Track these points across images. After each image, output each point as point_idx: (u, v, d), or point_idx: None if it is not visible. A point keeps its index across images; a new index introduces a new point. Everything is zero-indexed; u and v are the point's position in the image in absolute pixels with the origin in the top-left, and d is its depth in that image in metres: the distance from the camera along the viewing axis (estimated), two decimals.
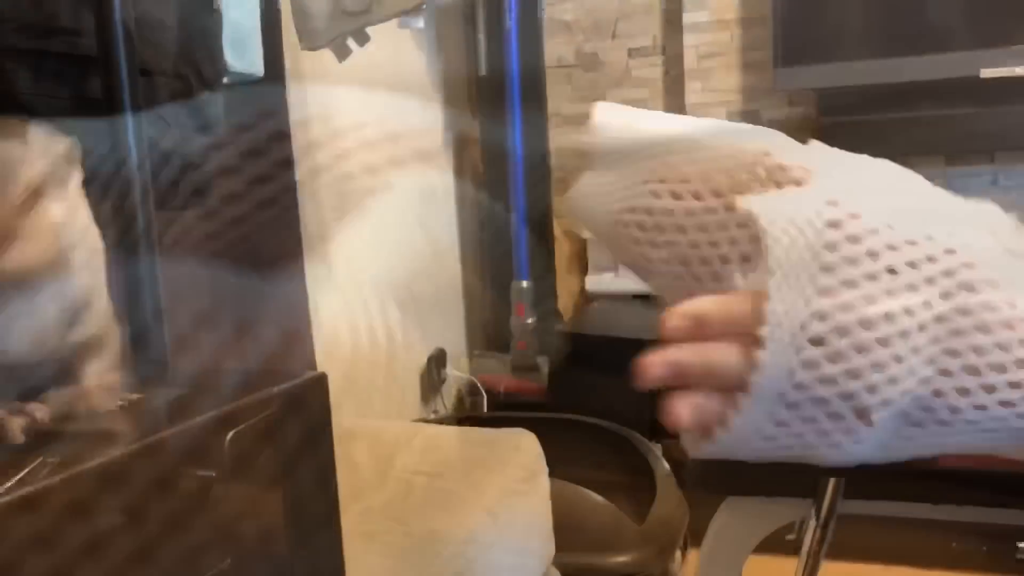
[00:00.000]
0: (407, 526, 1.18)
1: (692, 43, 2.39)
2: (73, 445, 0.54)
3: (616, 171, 0.57)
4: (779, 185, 0.49)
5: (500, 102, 2.40)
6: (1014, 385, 0.42)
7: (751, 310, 0.43)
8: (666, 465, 1.93)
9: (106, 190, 1.03)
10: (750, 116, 2.37)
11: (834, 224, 0.44)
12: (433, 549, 1.15)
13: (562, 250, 2.55)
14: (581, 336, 2.30)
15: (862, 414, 0.42)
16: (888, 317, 0.42)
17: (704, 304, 0.45)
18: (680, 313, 0.45)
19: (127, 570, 0.53)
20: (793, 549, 1.33)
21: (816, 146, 0.53)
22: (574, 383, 2.30)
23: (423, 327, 2.40)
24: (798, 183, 0.49)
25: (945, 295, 0.43)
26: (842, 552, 1.54)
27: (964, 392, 0.43)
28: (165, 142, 1.04)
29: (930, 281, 0.43)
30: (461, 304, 2.65)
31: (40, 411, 0.56)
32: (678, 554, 1.83)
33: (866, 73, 2.13)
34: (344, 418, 0.79)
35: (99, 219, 1.22)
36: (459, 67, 2.65)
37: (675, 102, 2.49)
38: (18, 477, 0.50)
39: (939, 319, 0.42)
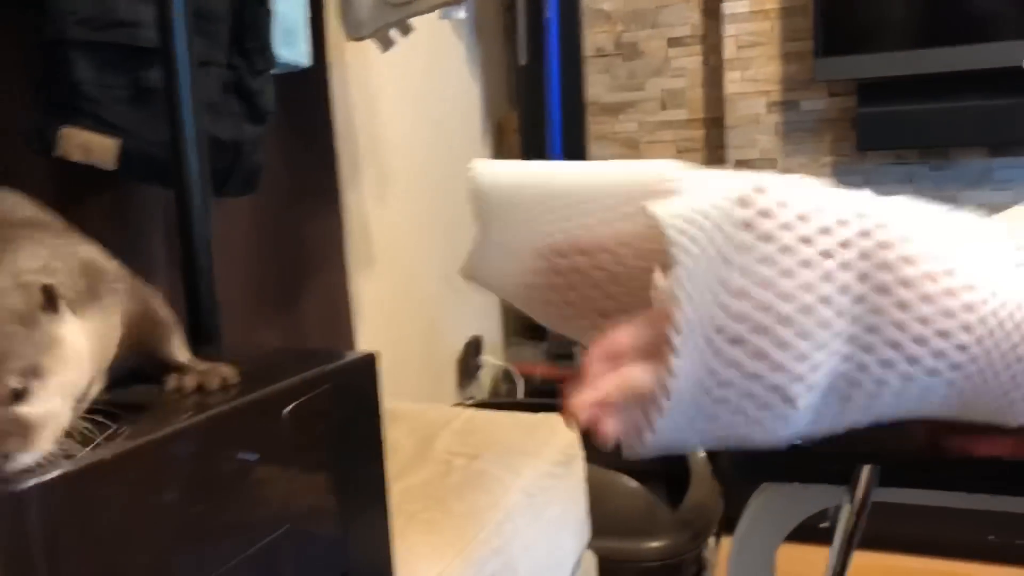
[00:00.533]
0: (446, 504, 1.22)
1: (732, 32, 2.39)
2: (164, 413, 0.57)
3: (511, 235, 0.57)
4: None
5: (539, 91, 2.42)
6: (938, 355, 0.43)
7: (665, 322, 0.44)
8: (701, 452, 1.95)
9: (165, 177, 1.07)
10: (790, 106, 2.36)
11: (744, 202, 0.45)
12: (472, 527, 1.18)
13: None
14: None
15: (788, 400, 0.44)
16: (805, 309, 0.42)
17: (618, 338, 0.46)
18: (597, 357, 0.46)
19: (197, 526, 0.57)
20: (826, 538, 1.34)
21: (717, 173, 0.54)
22: None
23: (460, 314, 2.43)
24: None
25: (864, 255, 0.43)
26: (876, 543, 1.55)
27: (888, 364, 0.43)
28: (218, 130, 1.08)
29: (845, 244, 0.43)
30: None
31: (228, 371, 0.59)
32: (712, 540, 1.85)
33: (907, 63, 2.13)
34: (384, 401, 0.82)
35: (157, 204, 1.26)
36: (498, 56, 2.67)
37: (714, 92, 2.50)
38: (94, 444, 0.53)
39: (858, 299, 0.43)
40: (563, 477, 1.41)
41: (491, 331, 2.60)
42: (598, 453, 1.65)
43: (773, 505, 1.34)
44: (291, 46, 1.33)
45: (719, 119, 2.48)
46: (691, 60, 2.54)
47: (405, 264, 2.16)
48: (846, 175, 2.33)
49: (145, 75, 1.05)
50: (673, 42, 2.55)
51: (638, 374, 0.45)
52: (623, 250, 0.54)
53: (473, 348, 2.43)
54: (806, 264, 0.43)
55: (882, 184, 2.30)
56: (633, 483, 1.77)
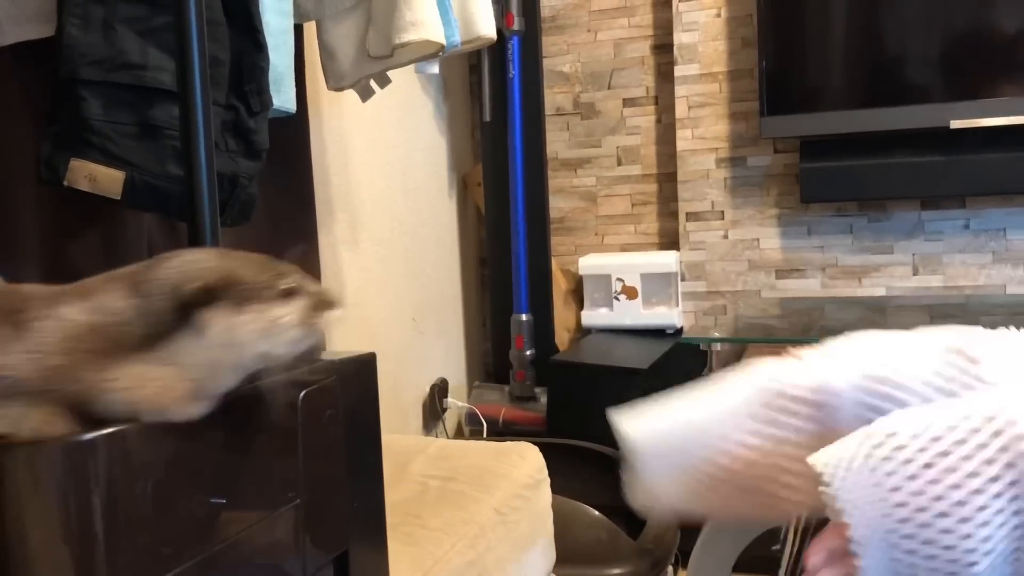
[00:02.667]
0: (423, 519, 1.29)
1: (683, 93, 2.55)
2: None
3: (667, 480, 0.67)
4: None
5: (503, 146, 2.55)
6: None
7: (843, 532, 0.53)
8: None
9: (167, 207, 1.15)
10: (738, 162, 2.52)
11: (878, 443, 0.55)
12: (448, 540, 1.25)
13: (559, 286, 2.68)
14: (577, 366, 2.42)
15: (970, 564, 0.51)
16: (960, 504, 0.50)
17: (813, 555, 0.56)
18: (816, 552, 0.55)
19: (225, 488, 0.65)
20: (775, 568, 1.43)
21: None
22: (571, 411, 2.41)
23: (426, 358, 2.51)
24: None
25: (1009, 466, 0.52)
26: None
27: None
28: (218, 165, 1.16)
29: (989, 462, 0.51)
30: (462, 336, 2.77)
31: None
32: (670, 570, 1.92)
33: (846, 122, 2.29)
34: None
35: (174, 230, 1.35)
36: (464, 113, 2.80)
37: (666, 149, 2.65)
38: None
39: (1012, 483, 0.50)
40: (531, 499, 1.49)
41: (456, 374, 2.68)
42: (562, 484, 1.73)
43: (728, 523, 1.43)
44: (279, 93, 1.43)
45: (672, 174, 2.63)
46: (645, 119, 2.69)
47: (374, 308, 2.25)
48: (790, 225, 2.48)
49: (151, 113, 1.14)
50: (628, 102, 2.70)
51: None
52: (768, 459, 0.65)
53: (438, 391, 2.51)
54: (949, 470, 0.52)
55: (824, 234, 2.46)
56: (595, 513, 1.85)
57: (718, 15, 2.50)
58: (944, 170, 2.25)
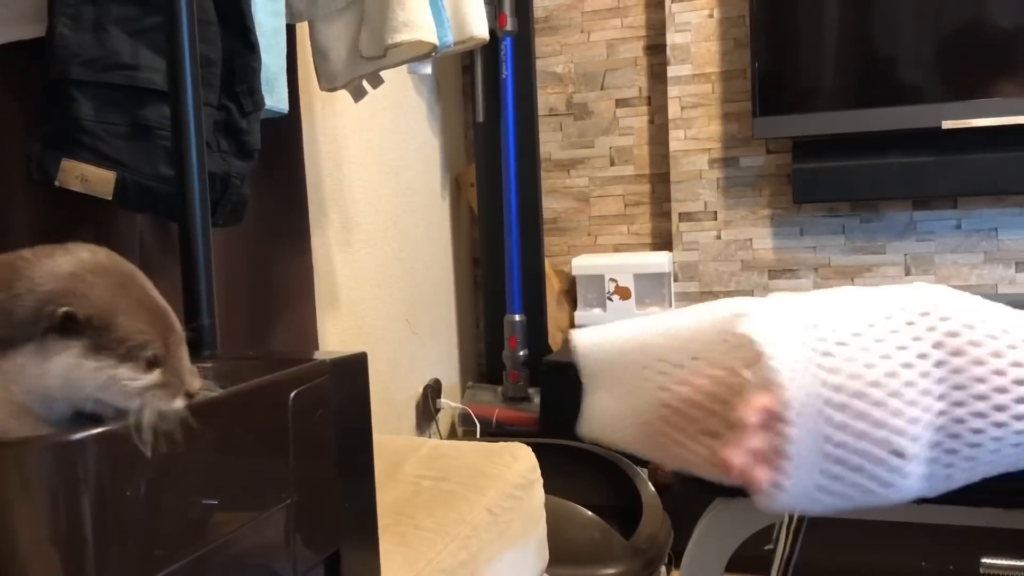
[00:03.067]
0: (415, 520, 1.29)
1: (676, 94, 2.55)
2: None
3: (615, 399, 0.66)
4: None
5: (496, 147, 2.55)
6: (1020, 401, 0.52)
7: (773, 402, 0.53)
8: (652, 488, 2.04)
9: (158, 207, 1.15)
10: (730, 162, 2.52)
11: (815, 323, 0.56)
12: (440, 540, 1.25)
13: (552, 286, 2.68)
14: (571, 367, 2.41)
15: (898, 453, 0.53)
16: (891, 374, 0.53)
17: (743, 414, 0.55)
18: (732, 454, 0.54)
19: (216, 488, 0.65)
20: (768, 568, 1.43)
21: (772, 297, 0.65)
22: (564, 412, 2.41)
23: (419, 359, 2.51)
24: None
25: (936, 345, 0.54)
26: (810, 572, 1.63)
27: (980, 415, 0.53)
28: (210, 165, 1.16)
29: (916, 337, 0.54)
30: (455, 337, 2.77)
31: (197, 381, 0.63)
32: (663, 570, 1.92)
33: (839, 123, 2.30)
34: None
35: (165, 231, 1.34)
36: (457, 114, 2.80)
37: (659, 150, 2.65)
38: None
39: (938, 364, 0.52)
40: (524, 500, 1.49)
41: (449, 375, 2.68)
42: (555, 484, 1.73)
43: (721, 521, 1.43)
44: (271, 93, 1.43)
45: (665, 175, 2.63)
46: (638, 120, 2.70)
47: (367, 308, 2.24)
48: (783, 226, 2.48)
49: (142, 113, 1.14)
50: (621, 103, 2.71)
51: (760, 442, 0.54)
52: (719, 386, 0.62)
53: (432, 391, 2.51)
54: (880, 340, 0.53)
55: (817, 234, 2.46)
56: (588, 513, 1.85)
57: (711, 16, 2.50)
58: (936, 170, 2.26)
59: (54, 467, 0.57)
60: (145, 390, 0.60)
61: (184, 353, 0.63)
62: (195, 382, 0.63)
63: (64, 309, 0.58)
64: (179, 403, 0.61)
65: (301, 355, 0.78)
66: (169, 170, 1.10)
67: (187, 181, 0.95)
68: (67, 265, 0.60)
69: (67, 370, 0.59)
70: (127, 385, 0.59)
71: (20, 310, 0.58)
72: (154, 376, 0.60)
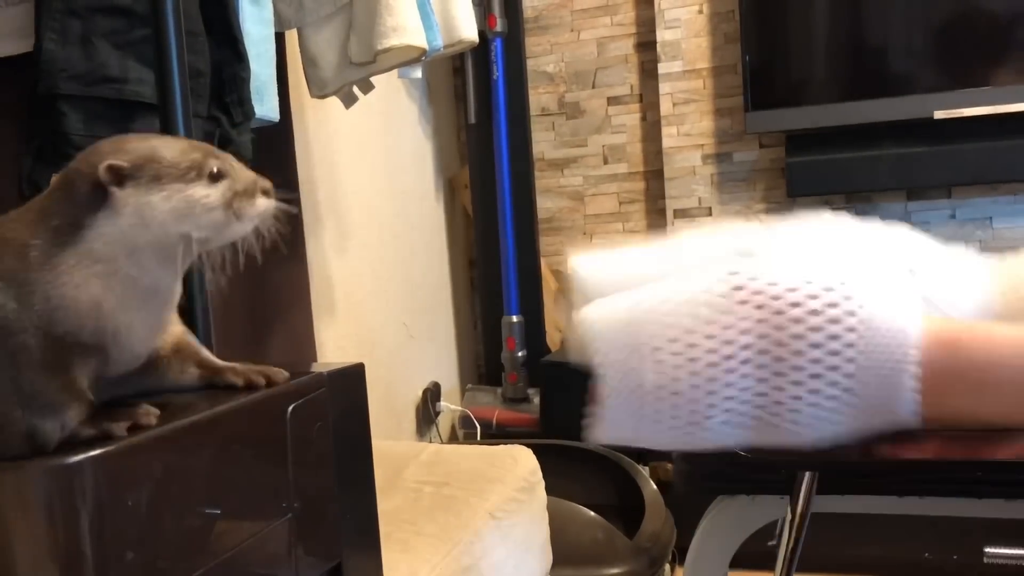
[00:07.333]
0: (417, 526, 1.28)
1: (667, 91, 2.55)
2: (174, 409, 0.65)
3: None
4: None
5: (488, 148, 2.54)
6: (814, 376, 0.59)
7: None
8: (654, 485, 2.04)
9: None
10: (723, 158, 2.52)
11: (640, 299, 0.64)
12: (444, 547, 1.25)
13: (549, 286, 2.68)
14: (569, 367, 2.41)
15: (705, 414, 0.61)
16: (712, 364, 0.61)
17: None
18: None
19: (215, 505, 0.64)
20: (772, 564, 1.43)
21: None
22: (564, 412, 2.41)
23: (418, 362, 2.51)
24: None
25: (758, 307, 0.61)
26: (814, 566, 1.63)
27: (779, 389, 0.60)
28: None
29: (743, 302, 0.61)
30: (454, 339, 2.76)
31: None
32: (667, 568, 1.92)
33: (831, 116, 2.29)
34: None
35: None
36: (449, 116, 2.80)
37: (652, 147, 2.65)
38: (127, 424, 0.61)
39: (760, 352, 0.59)
40: (526, 502, 1.49)
41: (448, 378, 2.68)
42: (557, 485, 1.73)
43: (725, 517, 1.42)
44: (261, 102, 1.42)
45: (658, 171, 2.63)
46: (630, 117, 2.69)
47: (364, 313, 2.24)
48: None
49: (132, 127, 1.13)
50: (613, 101, 2.70)
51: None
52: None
53: (431, 395, 2.50)
54: (695, 303, 0.61)
55: None
56: (591, 513, 1.85)
57: (700, 11, 2.50)
58: (929, 161, 2.26)
59: (52, 488, 0.56)
60: (226, 203, 0.62)
61: (239, 163, 0.65)
62: (264, 180, 0.66)
63: (106, 163, 0.60)
64: (263, 201, 0.64)
65: (298, 367, 0.77)
66: None
67: None
68: (93, 146, 0.64)
69: (140, 210, 0.60)
70: (207, 202, 0.61)
71: (73, 191, 0.60)
72: (224, 185, 0.62)
